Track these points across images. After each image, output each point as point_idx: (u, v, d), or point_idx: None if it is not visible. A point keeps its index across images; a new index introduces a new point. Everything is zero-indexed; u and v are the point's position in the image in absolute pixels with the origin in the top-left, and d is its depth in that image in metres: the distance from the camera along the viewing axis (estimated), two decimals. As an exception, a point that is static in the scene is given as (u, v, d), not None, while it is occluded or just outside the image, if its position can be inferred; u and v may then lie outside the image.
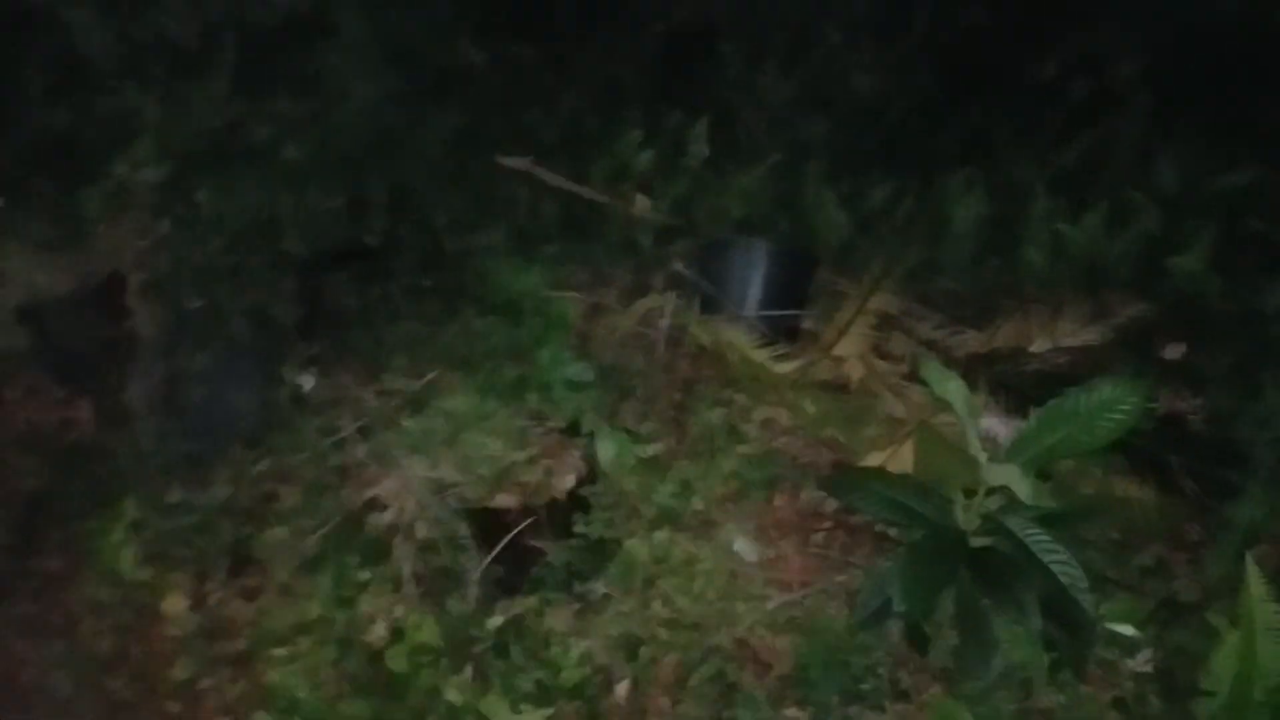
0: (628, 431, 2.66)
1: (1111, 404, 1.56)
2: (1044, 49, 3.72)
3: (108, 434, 3.04)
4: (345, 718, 2.12)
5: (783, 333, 3.03)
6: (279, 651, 2.26)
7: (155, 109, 3.49)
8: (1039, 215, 3.21)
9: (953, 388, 1.63)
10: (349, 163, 3.54)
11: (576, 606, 2.35)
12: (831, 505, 2.50)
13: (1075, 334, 2.79)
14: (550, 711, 2.08)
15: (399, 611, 2.30)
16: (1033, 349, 2.84)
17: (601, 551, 2.45)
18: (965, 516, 1.65)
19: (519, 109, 3.84)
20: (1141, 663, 2.03)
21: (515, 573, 2.39)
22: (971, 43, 3.76)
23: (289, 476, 2.72)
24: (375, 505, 2.48)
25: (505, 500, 2.46)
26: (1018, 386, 2.70)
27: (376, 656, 2.27)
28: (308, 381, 2.74)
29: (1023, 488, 1.53)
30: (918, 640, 1.84)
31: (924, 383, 2.55)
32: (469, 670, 2.18)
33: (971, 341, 2.96)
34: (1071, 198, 3.24)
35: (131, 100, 3.47)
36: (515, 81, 3.88)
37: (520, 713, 2.04)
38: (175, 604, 2.50)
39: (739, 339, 2.92)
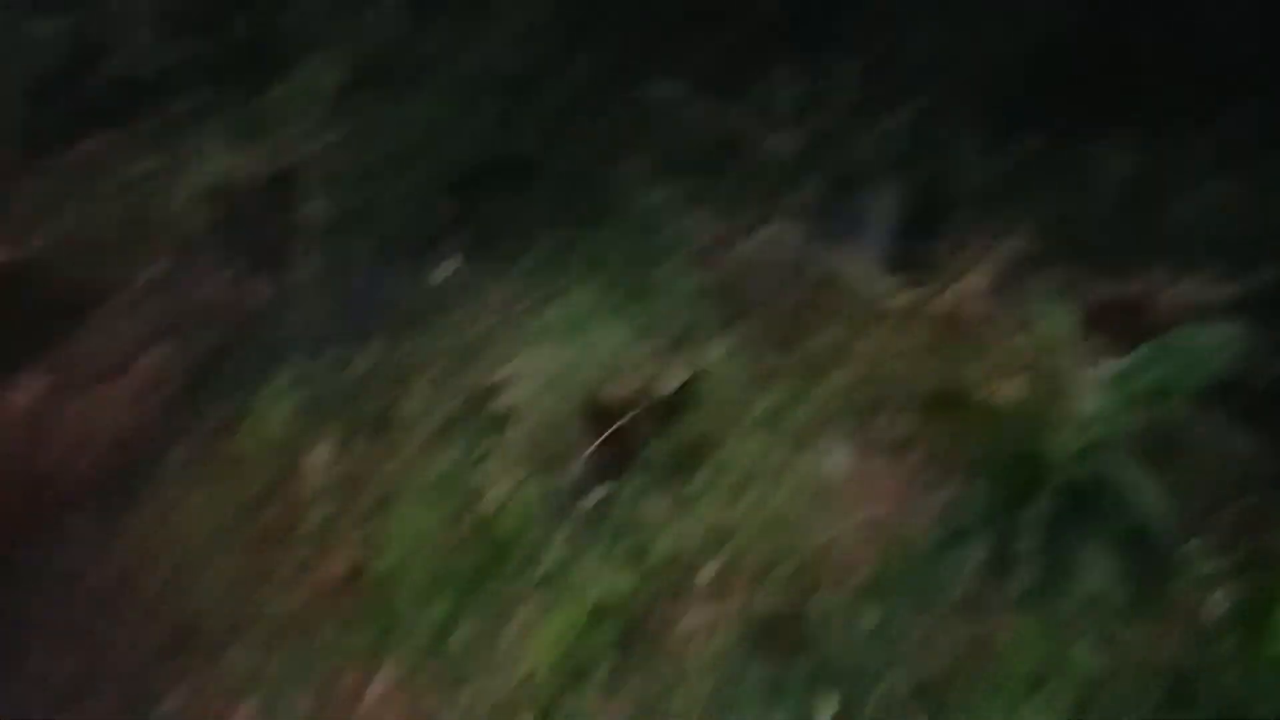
0: (738, 345, 2.77)
1: (1214, 347, 1.57)
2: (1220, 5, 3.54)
3: (276, 309, 3.38)
4: (453, 568, 2.34)
5: (907, 267, 3.07)
6: (406, 505, 2.51)
7: (335, 23, 3.78)
8: (1188, 174, 3.10)
9: (1067, 328, 1.67)
10: (506, 83, 3.75)
11: (670, 498, 2.51)
12: (930, 431, 2.55)
13: (1205, 291, 2.71)
14: (637, 581, 2.25)
15: (509, 483, 2.51)
16: (1161, 302, 2.78)
17: (699, 451, 2.59)
18: (1059, 448, 1.70)
19: (670, 42, 3.94)
20: (1220, 602, 2.02)
21: (617, 460, 2.57)
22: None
23: (427, 356, 2.97)
24: (499, 387, 2.70)
25: (614, 393, 2.63)
26: (1139, 336, 2.66)
27: (485, 520, 2.49)
28: (450, 273, 2.97)
29: (1118, 422, 1.56)
30: (999, 565, 1.90)
31: (1042, 325, 2.57)
32: (565, 539, 2.37)
33: (1100, 291, 2.91)
34: (1225, 160, 3.11)
35: (314, 13, 3.77)
36: (666, 15, 3.98)
37: (611, 577, 2.21)
38: (320, 458, 2.79)
39: (861, 269, 2.97)
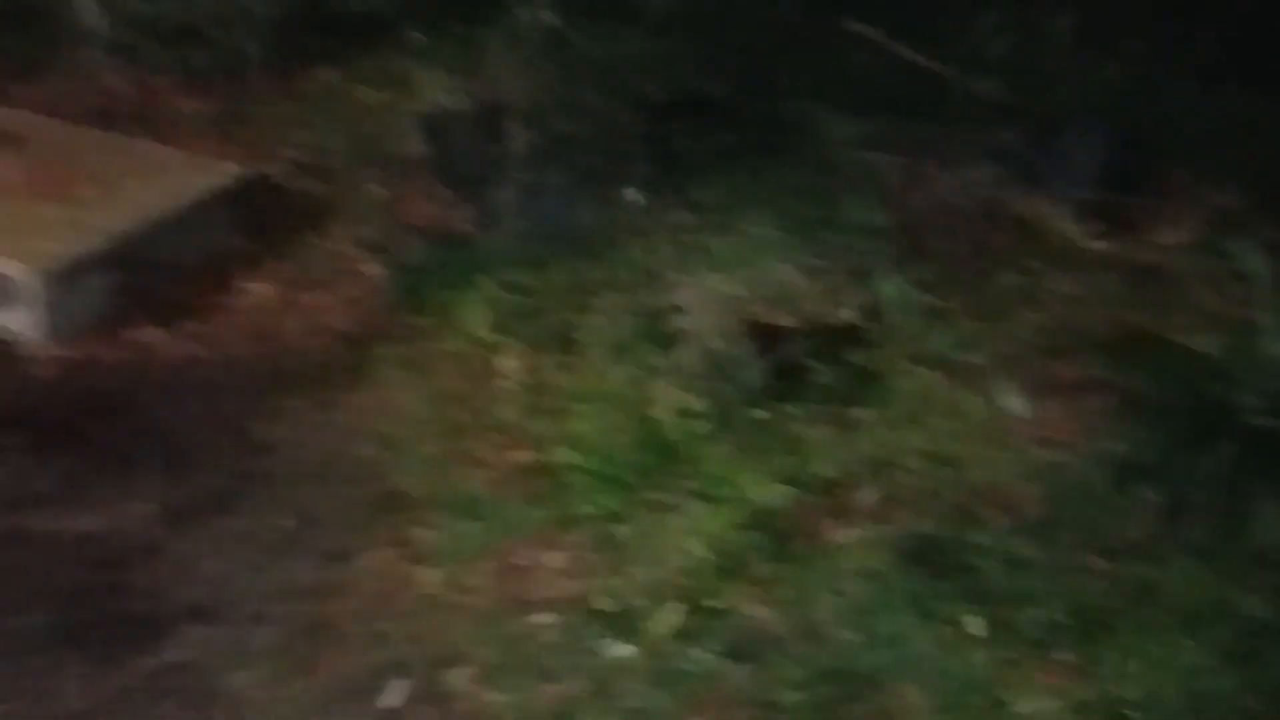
0: (918, 282, 2.79)
1: None
2: None
3: (478, 230, 3.65)
4: (625, 467, 2.51)
5: (1107, 215, 2.98)
6: (584, 408, 2.70)
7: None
8: None
9: (1267, 281, 1.64)
10: (707, 23, 3.84)
11: (836, 423, 2.58)
12: (1114, 375, 2.50)
13: None
14: (797, 493, 2.34)
15: (679, 395, 2.65)
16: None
17: (868, 382, 2.65)
18: (1248, 399, 1.68)
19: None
20: None
21: (785, 383, 2.66)
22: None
23: (610, 278, 3.15)
24: (675, 309, 2.83)
25: (786, 320, 2.71)
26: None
27: (656, 427, 2.64)
28: (638, 200, 3.12)
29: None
30: (1172, 510, 1.88)
31: (1242, 278, 2.46)
32: (730, 451, 2.49)
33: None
34: None
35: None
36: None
37: (771, 486, 2.32)
38: (510, 363, 3.03)
39: (1058, 214, 2.92)
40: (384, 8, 4.48)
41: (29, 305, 3.10)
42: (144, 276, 3.38)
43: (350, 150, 4.26)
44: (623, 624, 2.19)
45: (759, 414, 2.54)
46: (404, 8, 4.40)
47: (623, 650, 2.15)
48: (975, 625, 2.03)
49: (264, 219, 3.79)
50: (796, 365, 2.64)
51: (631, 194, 3.15)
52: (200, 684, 2.17)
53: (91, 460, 2.76)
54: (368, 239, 3.77)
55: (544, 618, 2.29)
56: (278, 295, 3.51)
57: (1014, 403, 2.54)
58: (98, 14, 4.67)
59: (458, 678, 2.18)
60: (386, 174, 4.11)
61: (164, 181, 3.60)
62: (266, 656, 2.23)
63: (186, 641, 2.26)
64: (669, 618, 2.15)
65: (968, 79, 3.58)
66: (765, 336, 2.67)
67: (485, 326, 3.13)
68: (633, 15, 3.94)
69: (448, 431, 2.85)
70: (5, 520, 2.55)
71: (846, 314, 2.71)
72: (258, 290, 3.53)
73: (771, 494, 2.34)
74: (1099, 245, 2.85)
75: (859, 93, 3.64)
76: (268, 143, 4.28)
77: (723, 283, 2.75)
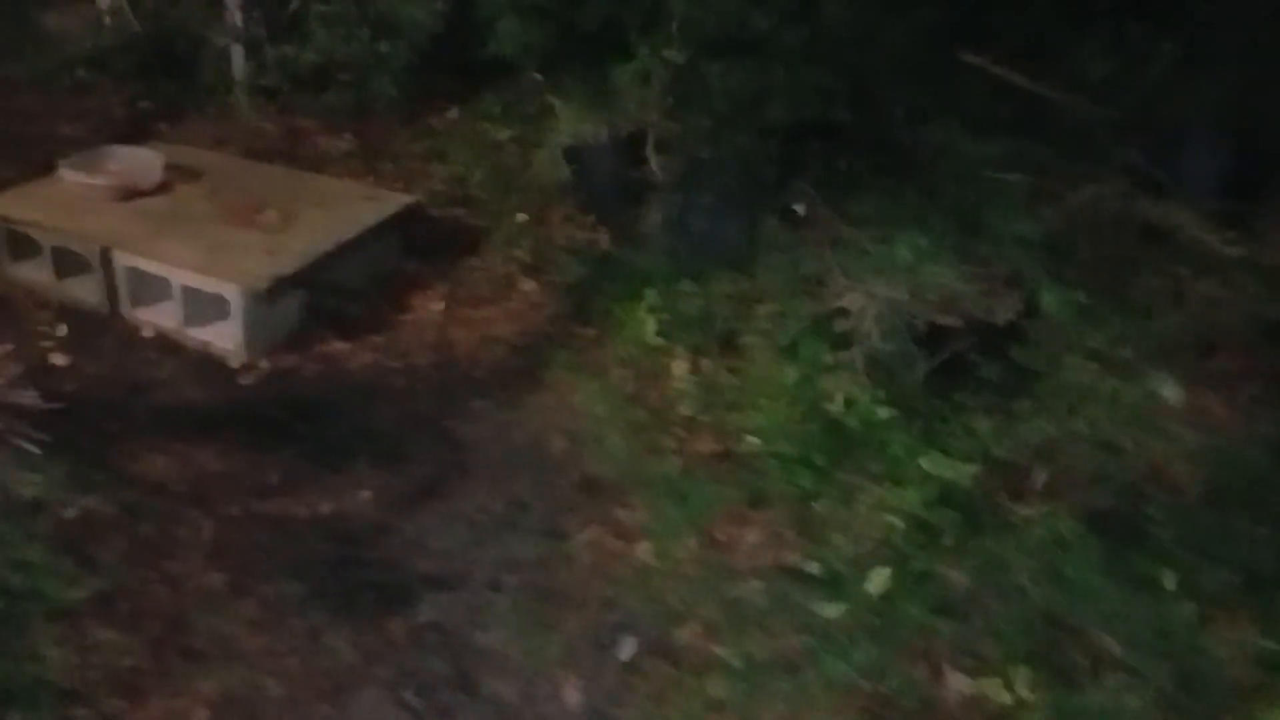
0: (1067, 286, 3.01)
1: None
2: None
3: (628, 248, 3.93)
4: (810, 454, 2.74)
5: (1234, 221, 3.19)
6: (762, 402, 2.94)
7: (677, 6, 4.26)
8: None
9: None
10: (828, 53, 4.11)
11: (1003, 414, 2.80)
12: (1266, 366, 2.70)
13: None
14: (977, 473, 2.56)
15: (855, 391, 2.88)
16: None
17: (1029, 376, 2.87)
18: None
19: (981, 15, 4.18)
20: None
21: (952, 379, 2.88)
22: None
23: (769, 286, 3.40)
24: (841, 312, 3.07)
25: (950, 320, 2.94)
26: None
27: (833, 422, 2.87)
28: (779, 219, 3.38)
29: None
30: None
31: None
32: (909, 439, 2.71)
33: None
34: None
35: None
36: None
37: (954, 467, 2.54)
38: (680, 367, 3.29)
39: (1188, 222, 3.13)
40: (517, 49, 4.79)
41: (237, 321, 3.41)
42: (328, 295, 3.69)
43: (490, 180, 4.60)
44: (832, 587, 2.41)
45: (934, 406, 2.76)
46: (536, 49, 4.71)
47: (835, 609, 2.36)
48: (1168, 580, 2.22)
49: (423, 243, 4.11)
50: (962, 361, 2.87)
51: (797, 206, 3.40)
52: (455, 641, 2.41)
53: (306, 455, 3.04)
54: (521, 259, 4.08)
55: (753, 583, 2.51)
56: (446, 310, 3.81)
57: (1169, 392, 2.74)
58: (244, 62, 5.08)
59: (684, 634, 2.41)
60: (528, 201, 4.44)
61: (339, 209, 3.93)
62: (507, 618, 2.48)
63: (434, 606, 2.51)
64: (878, 580, 2.36)
65: (1078, 100, 3.81)
66: (931, 336, 2.90)
67: (653, 332, 3.39)
68: (756, 48, 4.23)
69: (631, 426, 3.11)
70: (242, 506, 2.83)
71: (1005, 314, 2.93)
72: (428, 306, 3.83)
73: (956, 473, 2.55)
74: (1231, 250, 3.05)
75: (977, 117, 3.89)
76: (409, 176, 4.63)
77: (887, 287, 2.99)
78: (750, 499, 2.71)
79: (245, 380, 3.38)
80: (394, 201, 4.08)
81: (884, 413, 2.76)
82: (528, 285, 3.91)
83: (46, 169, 3.90)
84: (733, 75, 4.13)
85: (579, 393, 3.26)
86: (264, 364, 3.43)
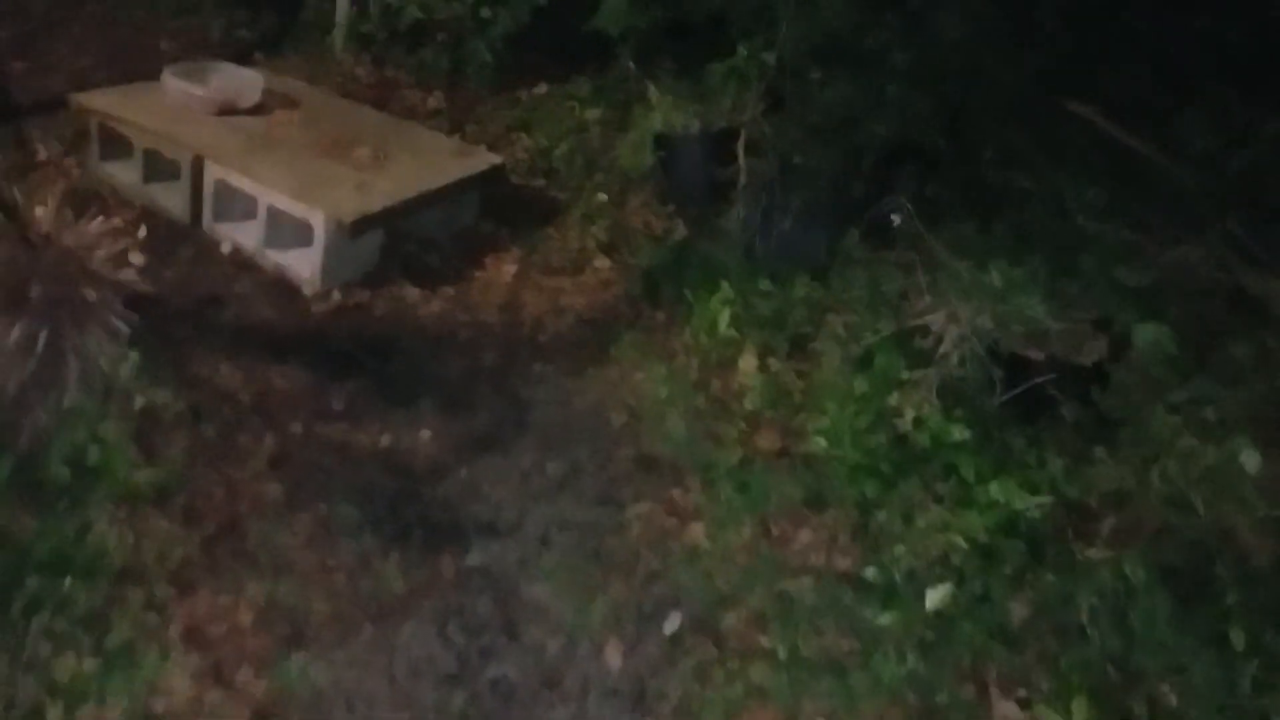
0: (1155, 338, 2.97)
1: None
2: None
3: (704, 241, 3.92)
4: (875, 463, 2.71)
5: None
6: (827, 406, 2.91)
7: (790, 7, 4.25)
8: None
9: None
10: (938, 78, 4.09)
11: (1078, 454, 2.76)
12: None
13: None
14: (1046, 507, 2.52)
15: (927, 408, 2.85)
16: None
17: (1109, 422, 2.82)
18: None
19: (1094, 67, 4.16)
20: None
21: (1028, 412, 2.85)
22: None
23: (844, 298, 3.38)
24: (922, 330, 3.05)
25: (1034, 354, 2.91)
26: None
27: (902, 436, 2.84)
28: (897, 223, 3.36)
29: None
30: None
31: None
32: (979, 463, 2.68)
33: None
34: None
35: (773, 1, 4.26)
36: (1093, 41, 4.19)
37: (1022, 498, 2.50)
38: (748, 362, 3.27)
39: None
40: (620, 30, 4.79)
41: (318, 250, 3.43)
42: (406, 240, 3.70)
43: (573, 157, 4.61)
44: (886, 595, 2.38)
45: (1008, 436, 2.72)
46: (639, 33, 4.72)
47: (888, 617, 2.33)
48: (1237, 639, 2.17)
49: (502, 207, 4.12)
50: (1040, 396, 2.83)
51: (894, 216, 3.38)
52: (502, 587, 2.40)
53: (371, 388, 3.05)
54: (597, 236, 4.08)
55: (805, 580, 2.48)
56: (519, 274, 3.81)
57: (1248, 458, 2.69)
58: (348, 7, 5.12)
59: (731, 619, 2.38)
60: (609, 182, 4.44)
61: (429, 159, 3.94)
62: (557, 574, 2.46)
63: (483, 551, 2.50)
64: (936, 596, 2.33)
65: (1179, 164, 3.78)
66: (1013, 367, 2.87)
67: (725, 325, 3.37)
68: (861, 63, 4.22)
69: (693, 411, 3.09)
70: (305, 426, 2.83)
71: (1091, 355, 2.89)
72: (501, 267, 3.84)
73: (1025, 504, 2.51)
74: (1327, 325, 3.01)
75: (1075, 165, 3.86)
76: (493, 141, 4.64)
77: (973, 311, 2.96)
78: (809, 499, 2.68)
79: (317, 308, 3.39)
80: (481, 160, 4.09)
81: (956, 434, 2.72)
82: (601, 262, 3.91)
83: (146, 79, 3.93)
84: (834, 87, 4.12)
85: (644, 372, 3.25)
86: (336, 296, 3.44)
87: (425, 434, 2.86)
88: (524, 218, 4.11)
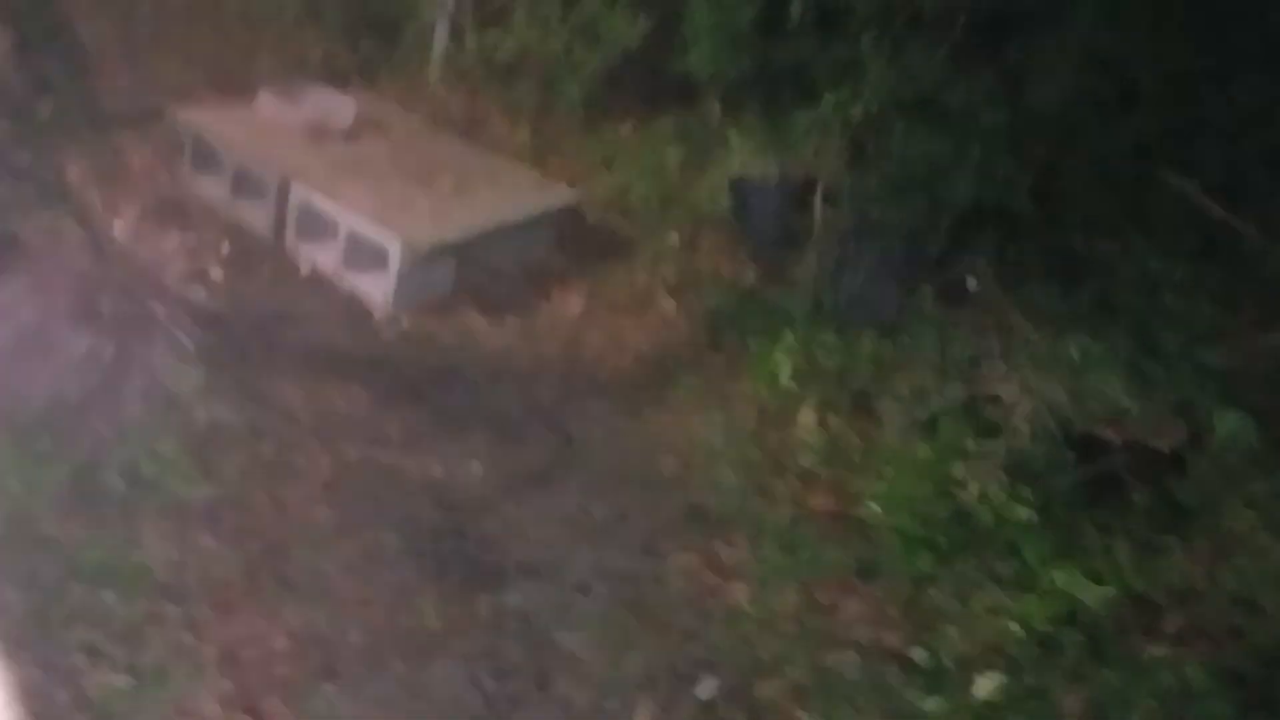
0: (1240, 427, 2.82)
1: None
2: None
3: (775, 287, 3.87)
4: (933, 536, 2.62)
5: None
6: (886, 471, 2.83)
7: (880, 59, 4.19)
8: None
9: None
10: (1026, 139, 3.99)
11: (1147, 546, 2.62)
12: None
13: None
14: (1108, 600, 2.40)
15: (993, 483, 2.75)
16: None
17: (1182, 511, 2.68)
18: None
19: (1192, 138, 4.01)
20: None
21: (1099, 495, 2.72)
22: None
23: (914, 357, 3.29)
24: (994, 400, 2.94)
25: (1109, 434, 2.78)
26: None
27: (963, 510, 2.74)
28: (976, 287, 3.27)
29: None
30: None
31: None
32: (1043, 545, 2.56)
33: None
34: None
35: (864, 49, 4.22)
36: (1195, 111, 4.05)
37: (1086, 587, 2.38)
38: (807, 417, 3.20)
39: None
40: (708, 74, 4.78)
41: (392, 275, 3.47)
42: (478, 269, 3.73)
43: (650, 197, 4.60)
44: (934, 679, 2.28)
45: (1074, 518, 2.60)
46: (725, 77, 4.71)
47: (934, 704, 2.23)
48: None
49: (575, 242, 4.13)
50: (1113, 479, 2.71)
51: (970, 280, 3.30)
52: (537, 633, 2.37)
53: (428, 416, 3.06)
54: (665, 277, 4.06)
55: (850, 655, 2.40)
56: (585, 310, 3.81)
57: (1333, 563, 2.53)
58: (445, 40, 5.22)
59: (768, 689, 2.31)
60: (683, 224, 4.42)
61: (508, 191, 3.98)
62: (592, 623, 2.42)
63: (522, 593, 2.48)
64: (987, 685, 2.22)
65: (1274, 245, 3.61)
66: (1087, 445, 2.75)
67: (785, 377, 3.31)
68: (947, 120, 4.13)
69: (746, 464, 3.03)
70: (360, 451, 2.85)
71: (1169, 441, 2.76)
72: (567, 302, 3.84)
73: (1089, 595, 2.40)
74: None
75: (1165, 238, 3.72)
76: (574, 177, 4.67)
77: (1048, 385, 2.85)
78: (860, 567, 2.60)
79: (386, 332, 3.43)
80: (559, 195, 4.12)
81: (1022, 513, 2.62)
82: (667, 303, 3.89)
83: (242, 96, 4.05)
84: (917, 141, 4.05)
85: (699, 418, 3.21)
86: (405, 321, 3.48)
87: (476, 466, 2.86)
88: (595, 253, 4.11)
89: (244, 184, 3.77)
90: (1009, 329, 3.19)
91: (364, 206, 3.53)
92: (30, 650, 1.95)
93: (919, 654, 2.32)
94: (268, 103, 3.90)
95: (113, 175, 3.55)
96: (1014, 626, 2.33)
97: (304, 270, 3.61)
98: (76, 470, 2.24)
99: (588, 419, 3.18)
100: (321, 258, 3.60)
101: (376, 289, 3.51)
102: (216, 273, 3.44)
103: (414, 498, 2.71)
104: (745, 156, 4.44)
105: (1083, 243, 3.81)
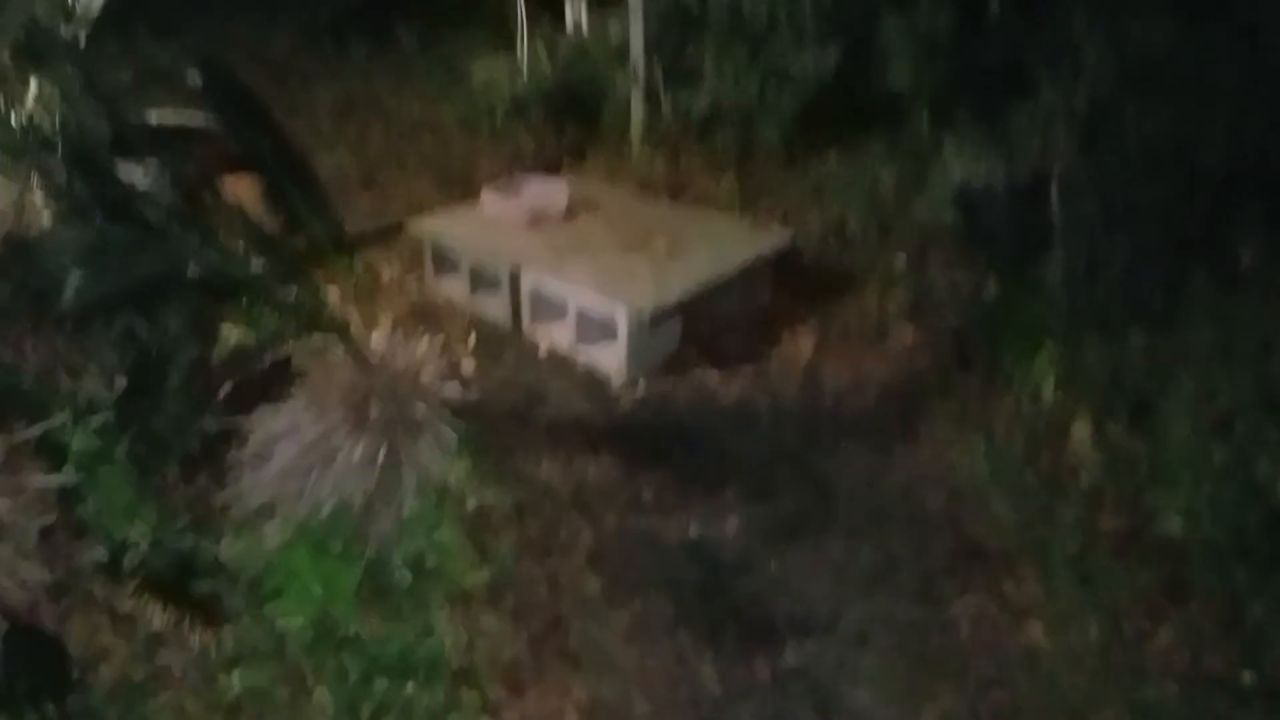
0: None
1: None
2: None
3: (1014, 298, 3.63)
4: (1245, 548, 2.32)
5: None
6: (1181, 480, 2.55)
7: (1097, 38, 3.89)
8: None
9: None
10: (1275, 93, 3.56)
11: None
12: None
13: None
14: None
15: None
16: None
17: None
18: None
19: None
20: None
21: None
22: None
23: (1192, 353, 2.97)
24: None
25: None
26: None
27: (1275, 515, 2.42)
28: (1245, 258, 2.93)
29: None
30: None
31: None
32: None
33: None
34: None
35: (1075, 33, 3.93)
36: None
37: None
38: (1081, 430, 2.96)
39: None
40: (904, 87, 4.63)
41: (622, 343, 3.56)
42: (704, 324, 3.76)
43: (868, 221, 4.48)
44: (1271, 705, 2.00)
45: None
46: (921, 87, 4.53)
47: (1285, 740, 1.96)
48: None
49: (796, 281, 4.07)
50: None
51: (1243, 256, 2.97)
52: (821, 693, 2.29)
53: (678, 476, 3.08)
54: (898, 301, 3.91)
55: (1169, 687, 2.16)
56: (817, 348, 3.73)
57: None
58: (642, 110, 5.36)
59: (1083, 737, 2.11)
60: (907, 243, 4.26)
61: (721, 243, 4.00)
62: (877, 679, 2.32)
63: (799, 651, 2.41)
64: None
65: None
66: None
67: (1050, 390, 3.08)
68: (1183, 87, 3.77)
69: (1021, 490, 2.83)
70: (618, 517, 2.91)
71: None
72: (798, 343, 3.78)
73: None
74: None
75: None
76: (785, 216, 4.62)
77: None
78: (1167, 589, 2.35)
79: (625, 399, 3.51)
80: (772, 238, 4.09)
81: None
82: (904, 328, 3.74)
83: (468, 198, 4.34)
84: (1154, 116, 3.72)
85: (959, 447, 3.04)
86: (641, 385, 3.55)
87: (732, 522, 2.85)
88: (819, 289, 4.05)
89: (480, 279, 4.01)
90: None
91: (587, 282, 3.66)
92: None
93: (1248, 677, 2.04)
94: (491, 200, 4.15)
95: (366, 290, 3.88)
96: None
97: (542, 351, 3.78)
98: (369, 567, 2.41)
99: (839, 461, 3.10)
100: (556, 336, 3.75)
101: (610, 359, 3.61)
102: (467, 365, 3.67)
103: (675, 560, 2.73)
104: (964, 164, 4.25)
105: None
